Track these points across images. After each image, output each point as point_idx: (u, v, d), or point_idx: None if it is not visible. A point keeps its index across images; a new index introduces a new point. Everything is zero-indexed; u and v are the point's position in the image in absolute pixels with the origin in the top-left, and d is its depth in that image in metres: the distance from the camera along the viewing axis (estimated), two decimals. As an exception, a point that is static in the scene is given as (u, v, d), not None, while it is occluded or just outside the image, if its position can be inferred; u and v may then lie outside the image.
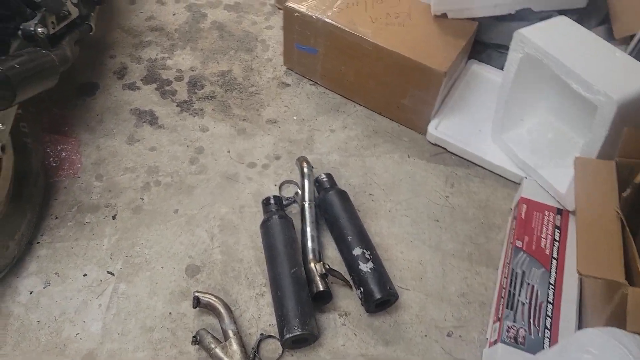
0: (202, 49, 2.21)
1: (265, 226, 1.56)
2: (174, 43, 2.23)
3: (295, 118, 1.98)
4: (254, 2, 2.45)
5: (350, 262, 1.50)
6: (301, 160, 1.74)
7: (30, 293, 1.47)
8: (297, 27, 1.95)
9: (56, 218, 1.64)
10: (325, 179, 1.68)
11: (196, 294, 1.43)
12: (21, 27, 1.40)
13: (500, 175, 1.82)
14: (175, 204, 1.70)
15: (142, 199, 1.71)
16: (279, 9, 2.39)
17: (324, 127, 1.95)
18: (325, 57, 1.97)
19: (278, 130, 1.93)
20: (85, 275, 1.52)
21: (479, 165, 1.84)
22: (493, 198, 1.76)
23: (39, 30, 1.41)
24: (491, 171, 1.83)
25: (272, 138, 1.90)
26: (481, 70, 2.04)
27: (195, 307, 1.43)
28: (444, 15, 1.88)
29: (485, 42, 2.01)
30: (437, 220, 1.69)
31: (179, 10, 2.39)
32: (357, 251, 1.49)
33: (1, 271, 1.44)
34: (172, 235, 1.62)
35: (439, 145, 1.89)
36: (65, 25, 1.61)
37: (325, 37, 1.90)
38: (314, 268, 1.47)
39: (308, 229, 1.56)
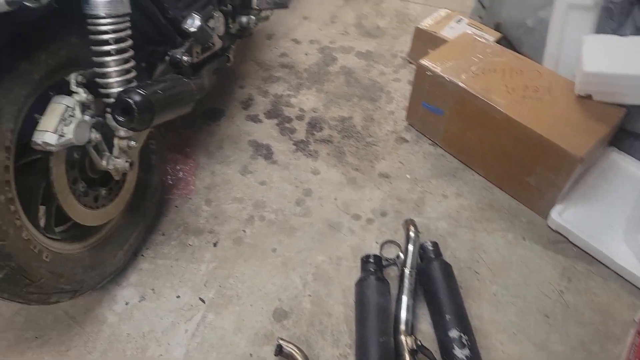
0: (327, 91, 2.24)
1: (360, 285, 1.50)
2: (301, 82, 2.28)
3: (408, 176, 1.92)
4: (386, 53, 2.45)
5: (445, 344, 1.39)
6: (408, 222, 1.67)
7: (126, 304, 1.51)
8: (426, 86, 1.91)
9: (163, 235, 1.69)
10: (430, 247, 1.60)
11: (280, 342, 1.39)
12: (170, 53, 1.48)
13: (627, 280, 1.63)
14: (275, 242, 1.69)
15: (245, 231, 1.72)
16: (410, 63, 2.37)
17: (437, 191, 1.87)
18: (450, 120, 1.90)
19: (389, 186, 1.88)
20: (178, 297, 1.54)
21: (604, 264, 1.66)
22: (615, 304, 1.58)
23: (185, 58, 1.48)
24: (617, 273, 1.64)
25: (382, 193, 1.86)
26: (621, 161, 1.87)
27: (277, 355, 1.39)
28: (589, 96, 1.75)
29: (629, 131, 1.84)
30: (547, 316, 1.54)
31: (311, 51, 2.44)
32: (453, 333, 1.38)
33: (106, 278, 1.50)
34: (266, 274, 1.60)
35: (560, 233, 1.73)
36: (207, 55, 1.69)
37: (455, 100, 1.84)
38: (404, 341, 1.38)
39: (404, 297, 1.48)
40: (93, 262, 1.45)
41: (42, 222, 1.34)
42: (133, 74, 1.35)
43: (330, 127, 2.09)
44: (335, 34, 2.55)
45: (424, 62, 1.89)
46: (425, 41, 2.25)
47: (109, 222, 1.53)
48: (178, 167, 1.91)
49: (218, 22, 1.68)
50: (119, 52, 1.29)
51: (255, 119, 2.11)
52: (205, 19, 1.58)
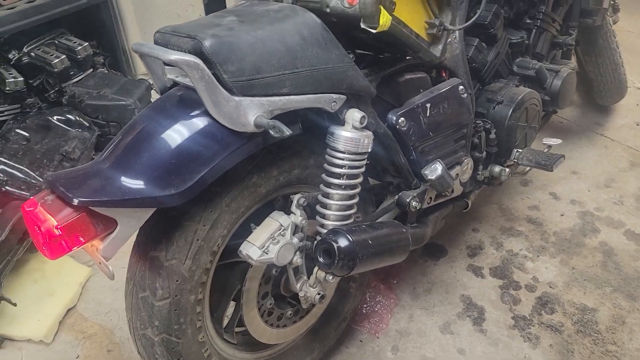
0: (574, 267, 1.87)
1: None
2: (544, 246, 1.96)
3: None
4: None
5: None
6: None
7: None
8: None
9: (335, 369, 1.56)
10: None
11: None
12: (400, 194, 1.38)
13: None
14: None
15: (421, 404, 1.47)
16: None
17: None
18: None
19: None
20: None
21: None
22: None
23: (413, 204, 1.36)
24: None
25: None
26: None
27: None
28: None
29: None
30: None
31: (569, 212, 2.11)
32: None
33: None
34: None
35: None
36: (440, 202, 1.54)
37: None
38: None
39: None
40: (256, 377, 1.39)
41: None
42: (353, 210, 1.28)
43: (564, 313, 1.72)
44: (606, 201, 2.16)
45: None
46: None
47: (284, 341, 1.46)
48: (377, 299, 1.78)
49: (464, 169, 1.53)
50: (346, 187, 1.24)
51: (477, 271, 1.87)
52: (450, 167, 1.45)
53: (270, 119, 1.07)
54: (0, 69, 2.13)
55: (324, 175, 1.23)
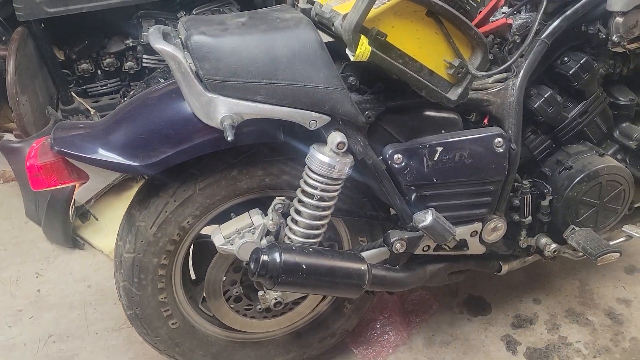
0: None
1: None
2: (610, 349, 1.62)
3: None
4: None
5: None
6: None
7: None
8: None
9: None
10: None
11: None
12: (389, 231, 1.30)
13: None
14: None
15: None
16: None
17: None
18: None
19: None
20: None
21: None
22: None
23: (397, 245, 1.27)
24: None
25: None
26: None
27: None
28: None
29: None
30: None
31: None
32: None
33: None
34: None
35: None
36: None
37: None
38: None
39: None
40: (217, 355, 1.48)
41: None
42: (320, 231, 1.26)
43: None
44: None
45: None
46: None
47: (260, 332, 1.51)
48: (387, 329, 1.70)
49: (489, 229, 1.36)
50: (316, 208, 1.22)
51: (512, 346, 1.64)
52: (461, 222, 1.31)
53: (241, 122, 1.12)
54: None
55: (298, 191, 1.24)
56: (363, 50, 1.02)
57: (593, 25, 1.32)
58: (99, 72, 2.65)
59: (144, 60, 2.59)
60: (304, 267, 1.13)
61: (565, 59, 1.35)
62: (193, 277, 1.48)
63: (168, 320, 1.38)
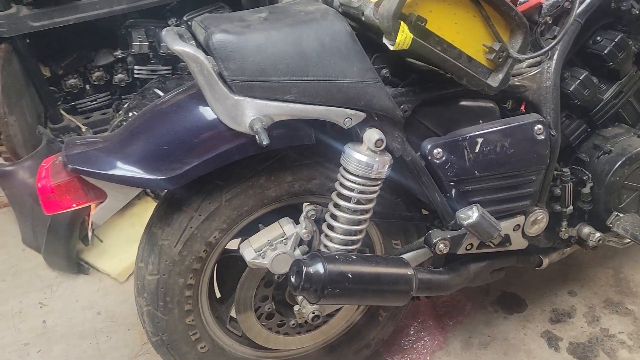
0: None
1: None
2: (655, 337, 1.56)
3: None
4: None
5: None
6: None
7: None
8: None
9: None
10: None
11: None
12: (430, 231, 1.22)
13: None
14: None
15: None
16: None
17: None
18: None
19: None
20: None
21: None
22: None
23: (440, 246, 1.19)
24: None
25: None
26: None
27: None
28: None
29: None
30: None
31: None
32: None
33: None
34: None
35: None
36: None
37: None
38: None
39: None
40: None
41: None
42: (359, 236, 1.17)
43: None
44: None
45: None
46: None
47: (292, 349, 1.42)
48: (423, 334, 1.62)
49: (532, 221, 1.28)
50: (353, 212, 1.13)
51: (553, 342, 1.57)
52: (504, 216, 1.24)
53: (271, 124, 1.03)
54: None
55: (333, 194, 1.15)
56: (404, 37, 0.94)
57: (626, 1, 1.26)
58: (87, 87, 2.53)
59: (135, 71, 2.48)
60: (350, 276, 1.04)
61: (598, 38, 1.29)
62: (218, 295, 1.39)
63: (197, 344, 1.28)
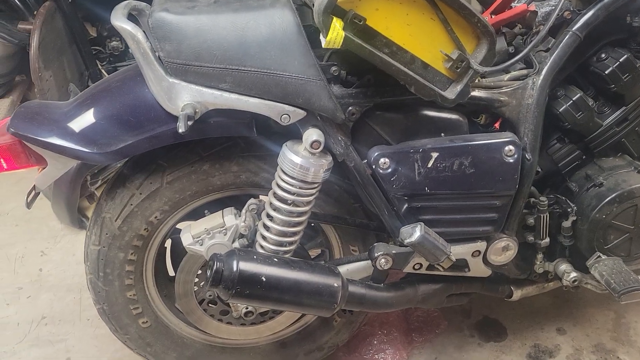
0: None
1: None
2: None
3: None
4: None
5: None
6: None
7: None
8: None
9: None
10: None
11: None
12: (374, 244, 1.14)
13: None
14: None
15: None
16: None
17: None
18: None
19: None
20: None
21: None
22: None
23: (381, 261, 1.11)
24: None
25: None
26: None
27: None
28: None
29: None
30: None
31: None
32: None
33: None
34: None
35: None
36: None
37: None
38: None
39: None
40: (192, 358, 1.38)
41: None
42: (292, 238, 1.12)
43: None
44: None
45: None
46: None
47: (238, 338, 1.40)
48: (385, 347, 1.55)
49: (495, 249, 1.17)
50: (289, 213, 1.08)
51: (525, 378, 1.45)
52: (461, 240, 1.14)
53: (209, 111, 1.00)
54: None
55: (270, 193, 1.10)
56: (335, 35, 0.86)
57: None
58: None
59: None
60: (263, 279, 0.99)
61: (603, 55, 1.13)
62: (172, 274, 1.39)
63: (138, 318, 1.30)
